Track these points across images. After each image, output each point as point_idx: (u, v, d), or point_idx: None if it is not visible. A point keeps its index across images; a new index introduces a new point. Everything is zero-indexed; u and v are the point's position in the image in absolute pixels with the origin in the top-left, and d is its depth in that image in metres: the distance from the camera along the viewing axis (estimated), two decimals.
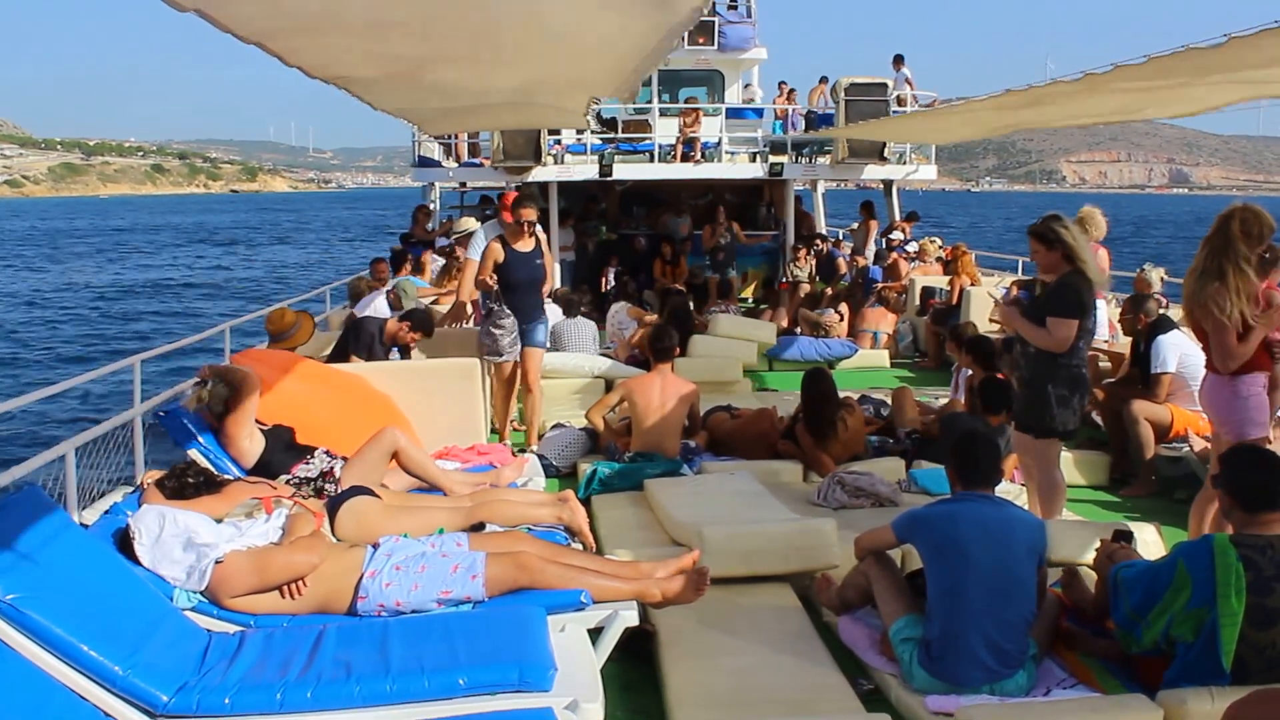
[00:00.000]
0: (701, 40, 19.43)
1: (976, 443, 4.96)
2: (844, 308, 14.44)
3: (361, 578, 4.66)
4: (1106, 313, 10.48)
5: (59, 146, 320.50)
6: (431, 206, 19.27)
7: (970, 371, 8.47)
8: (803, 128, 19.53)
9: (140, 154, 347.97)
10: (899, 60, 19.24)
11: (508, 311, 8.70)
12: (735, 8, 20.64)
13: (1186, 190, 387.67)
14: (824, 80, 20.65)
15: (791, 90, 20.83)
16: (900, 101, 18.13)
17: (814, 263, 16.96)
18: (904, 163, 18.70)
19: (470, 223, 11.78)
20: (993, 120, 10.33)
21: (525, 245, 8.85)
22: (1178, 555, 4.24)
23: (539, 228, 9.04)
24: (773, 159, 18.35)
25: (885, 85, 17.42)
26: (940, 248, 16.47)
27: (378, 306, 10.80)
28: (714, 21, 19.57)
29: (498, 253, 8.76)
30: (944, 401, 9.56)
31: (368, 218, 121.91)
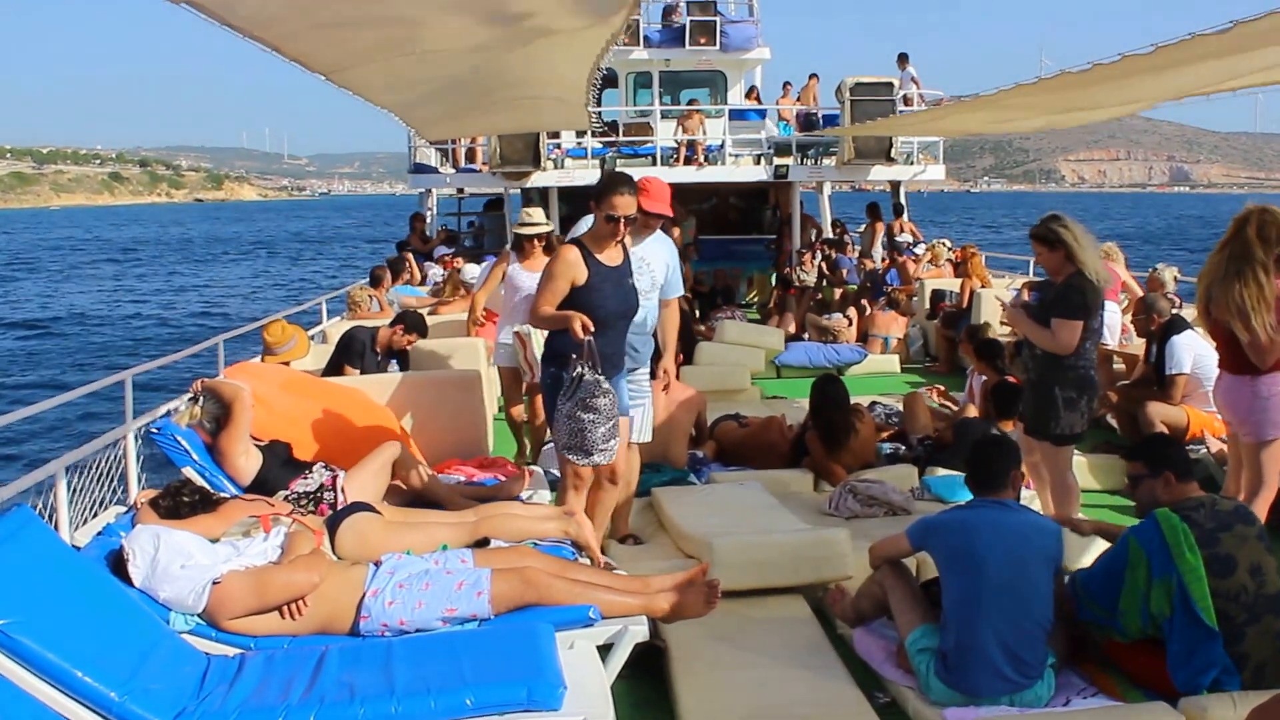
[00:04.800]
0: (703, 40, 19.34)
1: (988, 448, 4.93)
2: (852, 312, 14.35)
3: (364, 596, 4.56)
4: (1119, 315, 10.45)
5: (9, 154, 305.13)
6: (430, 214, 19.23)
7: (985, 376, 8.39)
8: (821, 125, 19.37)
9: (98, 162, 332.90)
10: (904, 59, 19.11)
11: (606, 385, 5.48)
12: None
13: (1188, 188, 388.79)
14: (814, 77, 20.49)
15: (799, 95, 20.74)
16: (907, 101, 18.04)
17: (821, 266, 16.88)
18: (911, 163, 18.60)
19: (537, 214, 8.84)
20: (1014, 113, 10.30)
21: (614, 257, 5.78)
22: (1127, 535, 4.46)
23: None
24: (778, 161, 18.26)
25: (891, 84, 17.36)
26: (950, 249, 16.38)
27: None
28: (715, 21, 19.48)
29: (576, 269, 5.62)
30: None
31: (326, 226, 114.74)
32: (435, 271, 15.52)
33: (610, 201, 5.60)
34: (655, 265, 6.35)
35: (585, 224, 6.22)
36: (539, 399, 7.86)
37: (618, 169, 17.39)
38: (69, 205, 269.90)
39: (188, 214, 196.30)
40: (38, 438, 16.34)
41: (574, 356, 5.45)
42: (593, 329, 5.36)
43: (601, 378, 5.43)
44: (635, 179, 5.90)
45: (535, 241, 8.48)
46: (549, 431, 7.53)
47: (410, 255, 16.35)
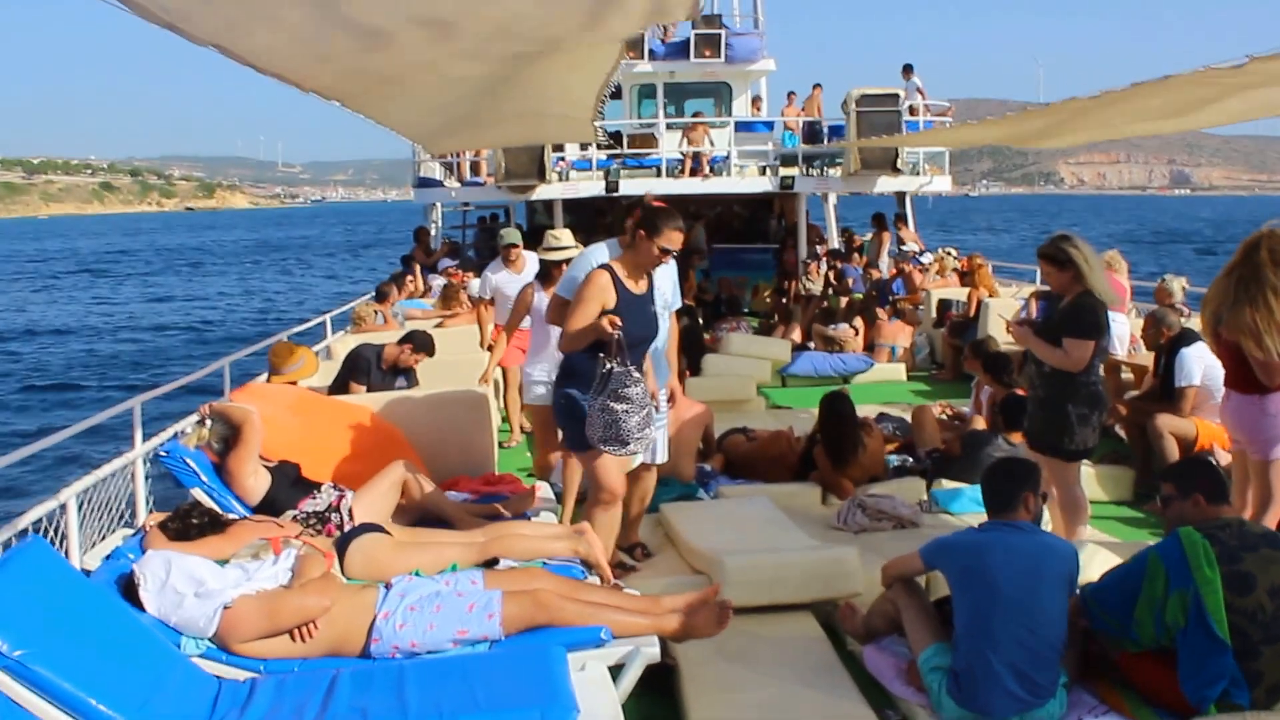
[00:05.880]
0: (708, 53, 19.32)
1: (997, 471, 4.94)
2: (859, 322, 14.33)
3: (375, 619, 4.55)
4: (1129, 326, 10.44)
5: None
6: (435, 226, 19.22)
7: (991, 389, 8.38)
8: (826, 136, 19.29)
9: (88, 171, 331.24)
10: (908, 70, 19.04)
11: (636, 373, 5.58)
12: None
13: (1189, 191, 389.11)
14: (818, 87, 20.44)
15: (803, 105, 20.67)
16: (913, 112, 17.99)
17: (828, 276, 16.85)
18: (917, 174, 18.56)
19: (565, 235, 8.36)
20: (1016, 132, 10.33)
21: (640, 285, 5.90)
22: (1149, 550, 4.46)
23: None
24: (783, 172, 18.23)
25: (897, 96, 17.30)
26: (956, 259, 16.36)
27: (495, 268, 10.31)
28: (720, 34, 19.46)
29: (607, 294, 5.69)
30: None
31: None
32: (440, 283, 15.54)
33: (668, 236, 5.69)
34: (664, 286, 6.39)
35: (598, 251, 6.29)
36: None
37: (622, 178, 17.39)
38: (59, 214, 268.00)
39: (171, 223, 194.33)
40: (45, 459, 16.32)
41: (601, 355, 5.53)
42: (620, 324, 5.45)
43: (631, 367, 5.52)
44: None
45: (564, 267, 7.78)
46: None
47: (416, 268, 16.35)
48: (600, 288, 5.67)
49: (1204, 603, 4.17)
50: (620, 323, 5.47)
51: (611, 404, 5.50)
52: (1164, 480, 4.78)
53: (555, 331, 6.99)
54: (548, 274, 8.15)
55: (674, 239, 5.71)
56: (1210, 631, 4.15)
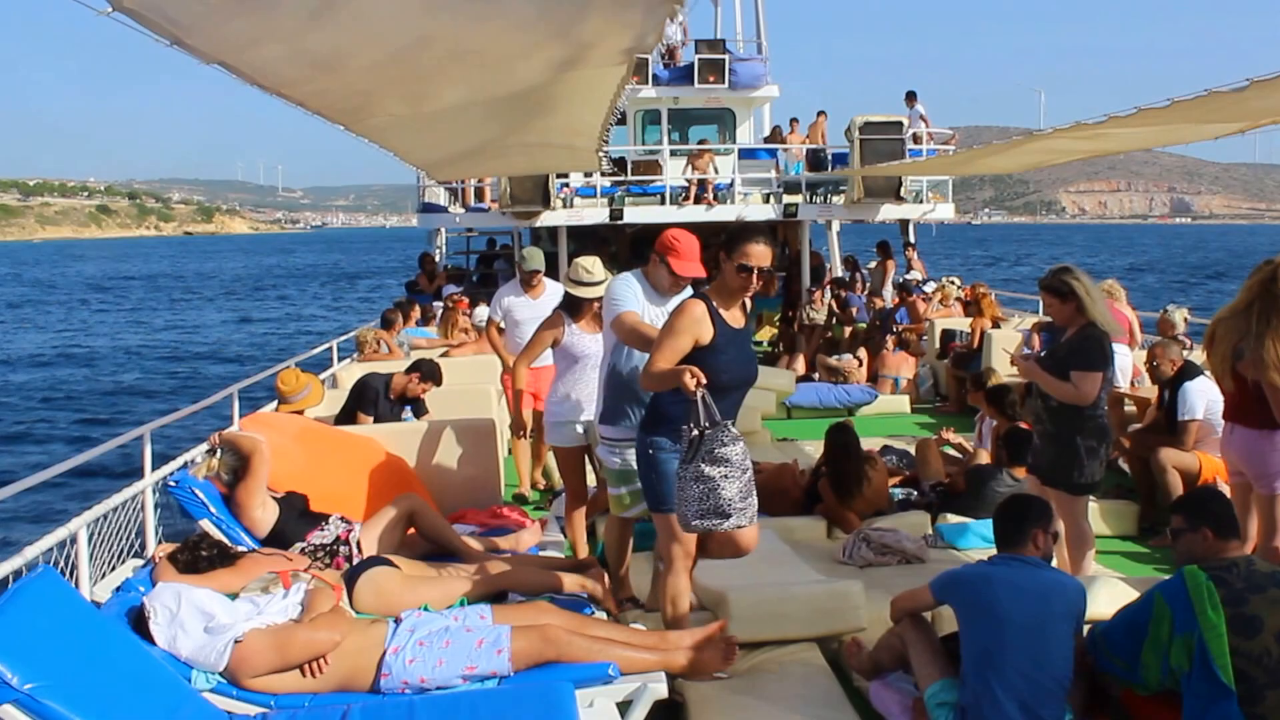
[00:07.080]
0: (712, 79, 19.30)
1: (1008, 506, 4.94)
2: (863, 352, 14.31)
3: (384, 654, 4.57)
4: (1131, 358, 10.44)
5: None
6: (439, 252, 19.20)
7: (995, 422, 8.37)
8: (830, 164, 19.29)
9: (86, 194, 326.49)
10: (911, 97, 19.01)
11: (732, 429, 4.83)
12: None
13: (1189, 220, 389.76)
14: (822, 114, 20.44)
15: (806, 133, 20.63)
16: (916, 139, 18.03)
17: (832, 305, 16.83)
18: (920, 201, 18.56)
19: (596, 267, 7.28)
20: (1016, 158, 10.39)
21: (737, 317, 5.14)
22: (1154, 590, 4.45)
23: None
24: (787, 199, 18.24)
25: (900, 123, 17.33)
26: (959, 288, 16.32)
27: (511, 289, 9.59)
28: (724, 60, 19.48)
29: (702, 326, 4.96)
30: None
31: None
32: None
33: (745, 250, 4.95)
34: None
35: (626, 279, 5.90)
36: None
37: (626, 205, 17.35)
38: (55, 238, 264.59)
39: (170, 248, 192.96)
40: (53, 488, 16.31)
41: (685, 427, 4.76)
42: (704, 381, 4.69)
43: (726, 422, 4.79)
44: (664, 234, 5.71)
45: (595, 305, 7.05)
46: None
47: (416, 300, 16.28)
48: (695, 319, 4.93)
49: (1208, 648, 4.15)
50: (705, 380, 4.69)
51: (705, 468, 4.69)
52: (1173, 512, 4.73)
53: (584, 370, 6.79)
54: (575, 306, 7.18)
55: (754, 253, 4.93)
56: (1214, 677, 4.14)
